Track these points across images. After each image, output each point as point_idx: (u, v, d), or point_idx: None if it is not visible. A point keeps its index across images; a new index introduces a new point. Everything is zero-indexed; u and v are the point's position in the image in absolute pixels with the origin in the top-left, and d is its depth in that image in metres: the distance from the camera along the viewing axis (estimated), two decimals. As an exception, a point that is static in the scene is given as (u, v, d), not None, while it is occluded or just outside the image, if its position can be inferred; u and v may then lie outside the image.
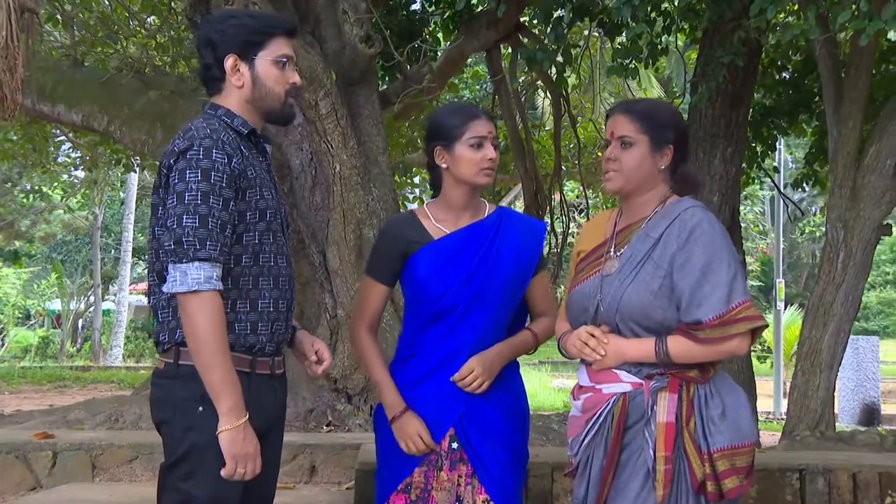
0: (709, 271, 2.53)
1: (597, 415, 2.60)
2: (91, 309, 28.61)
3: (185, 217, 2.36)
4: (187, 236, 2.35)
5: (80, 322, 31.60)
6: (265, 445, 2.58)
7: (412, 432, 2.79)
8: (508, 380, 2.93)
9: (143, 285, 35.02)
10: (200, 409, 2.40)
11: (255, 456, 2.41)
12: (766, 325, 2.71)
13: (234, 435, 2.37)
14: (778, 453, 4.85)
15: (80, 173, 17.11)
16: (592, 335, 2.62)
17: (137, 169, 13.13)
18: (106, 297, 30.53)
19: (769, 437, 9.22)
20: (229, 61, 2.57)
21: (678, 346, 2.53)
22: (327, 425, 5.60)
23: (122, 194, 27.04)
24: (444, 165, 2.92)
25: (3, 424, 6.66)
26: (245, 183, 2.47)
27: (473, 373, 2.81)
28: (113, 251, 32.12)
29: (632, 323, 2.58)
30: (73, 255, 32.54)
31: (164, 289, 2.40)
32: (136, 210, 26.07)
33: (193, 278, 2.34)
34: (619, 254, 2.68)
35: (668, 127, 2.70)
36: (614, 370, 2.61)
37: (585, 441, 2.62)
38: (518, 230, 2.93)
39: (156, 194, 2.53)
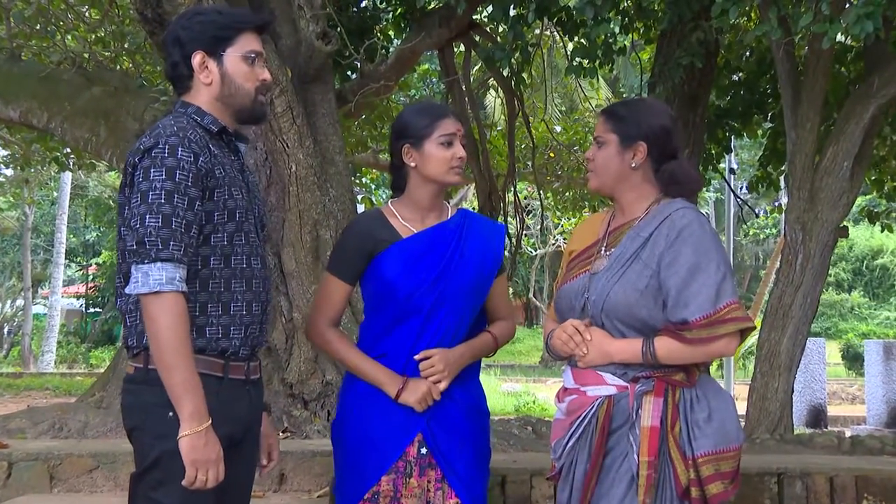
0: (697, 271, 2.55)
1: (581, 417, 2.61)
2: (20, 313, 27.99)
3: (148, 216, 2.33)
4: (150, 236, 2.32)
5: (7, 327, 30.93)
6: (239, 453, 2.54)
7: (426, 391, 2.81)
8: (470, 382, 2.96)
9: (75, 288, 34.42)
10: (171, 414, 2.35)
11: (216, 462, 2.36)
12: (755, 327, 2.75)
13: (194, 440, 2.32)
14: (756, 457, 4.92)
15: (10, 172, 16.74)
16: (577, 329, 2.63)
17: (73, 167, 12.84)
18: (36, 300, 29.89)
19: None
20: (196, 58, 2.55)
21: (665, 347, 2.55)
22: (283, 431, 5.53)
23: (54, 193, 26.50)
24: (412, 164, 2.92)
25: (-62, 435, 6.45)
26: (213, 182, 2.44)
27: (434, 367, 2.81)
28: (42, 252, 31.47)
29: (617, 321, 2.60)
30: (1, 256, 31.81)
31: (127, 290, 2.38)
32: (68, 210, 25.57)
33: (155, 279, 2.31)
34: (608, 252, 2.72)
35: (638, 124, 2.74)
36: (599, 372, 2.62)
37: (569, 444, 2.63)
38: (481, 233, 2.97)
39: (122, 194, 2.49)
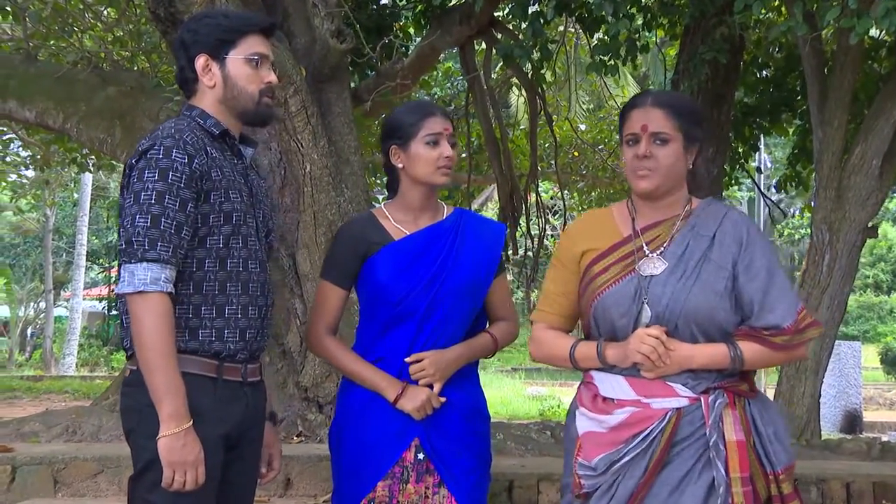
0: (773, 275, 2.53)
1: (647, 432, 2.46)
2: (42, 315, 28.27)
3: (138, 217, 2.38)
4: (138, 236, 2.36)
5: (30, 329, 31.23)
6: (238, 456, 2.56)
7: (425, 399, 2.79)
8: (469, 385, 2.94)
9: (97, 290, 34.73)
10: None
11: (195, 464, 2.37)
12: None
13: (171, 442, 2.34)
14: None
15: (31, 173, 16.92)
16: (660, 339, 2.45)
17: (93, 169, 12.97)
18: (58, 302, 30.18)
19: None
20: (200, 61, 2.59)
21: (754, 352, 2.49)
22: (298, 435, 5.56)
23: (75, 195, 26.73)
24: (399, 165, 2.92)
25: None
26: (208, 185, 2.47)
27: (425, 371, 2.80)
28: (65, 255, 31.76)
29: (695, 326, 2.49)
30: (23, 258, 32.13)
31: (115, 290, 2.42)
32: (90, 212, 25.79)
33: (140, 279, 2.35)
34: (659, 252, 2.59)
35: (699, 125, 2.66)
36: (669, 383, 2.51)
37: (623, 460, 2.47)
38: (477, 233, 2.92)
39: (122, 195, 2.53)
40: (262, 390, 2.69)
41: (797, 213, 31.74)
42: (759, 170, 11.04)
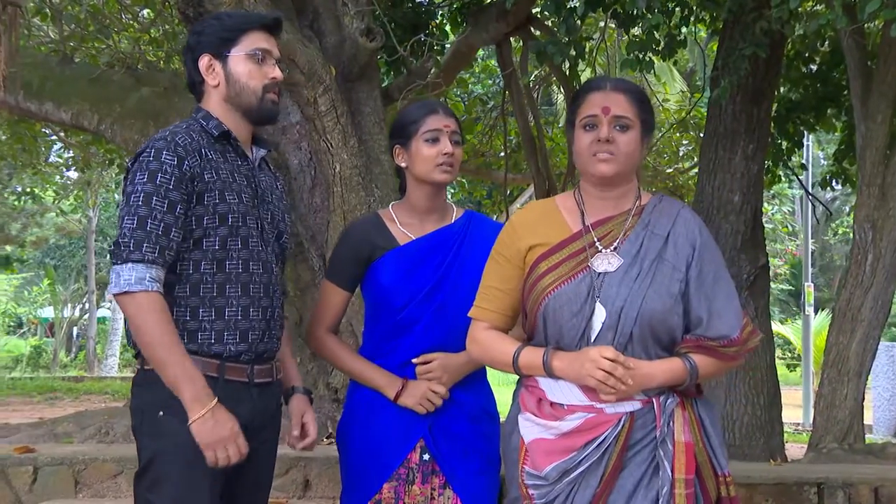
0: (720, 280, 2.51)
1: (602, 438, 2.41)
2: (85, 316, 28.69)
3: (126, 219, 2.45)
4: (124, 237, 2.43)
5: (75, 330, 31.72)
6: (249, 458, 2.60)
7: (424, 391, 2.80)
8: (476, 385, 2.93)
9: (140, 291, 35.05)
10: (161, 413, 2.44)
11: (232, 438, 2.43)
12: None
13: (201, 425, 2.41)
14: (795, 466, 4.84)
15: (73, 174, 17.18)
16: (616, 362, 2.35)
17: (132, 169, 13.12)
18: (101, 303, 30.63)
19: (797, 449, 9.17)
20: (203, 61, 2.64)
21: (706, 365, 2.46)
22: (327, 437, 5.61)
23: (116, 196, 27.10)
24: (403, 164, 2.94)
25: (-12, 437, 6.68)
26: (201, 186, 2.51)
27: (433, 373, 2.81)
28: (108, 256, 32.20)
29: (649, 330, 2.44)
30: (67, 259, 32.65)
31: (107, 291, 2.48)
32: (132, 212, 26.06)
33: (125, 279, 2.41)
34: (613, 248, 2.52)
35: (652, 114, 2.63)
36: None
37: (578, 469, 2.41)
38: (486, 237, 2.86)
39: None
40: (273, 392, 2.71)
41: (851, 211, 31.20)
42: (803, 167, 10.89)
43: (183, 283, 2.51)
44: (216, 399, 2.43)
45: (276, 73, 2.67)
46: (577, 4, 6.24)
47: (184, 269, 2.52)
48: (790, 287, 33.70)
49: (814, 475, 4.40)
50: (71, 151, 13.24)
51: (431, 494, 2.81)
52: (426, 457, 2.83)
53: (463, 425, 2.86)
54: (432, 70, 7.43)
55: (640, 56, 6.38)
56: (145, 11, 9.68)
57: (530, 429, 2.50)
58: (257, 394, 2.62)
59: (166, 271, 2.49)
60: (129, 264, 2.41)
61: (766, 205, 19.15)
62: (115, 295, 2.43)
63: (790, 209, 30.68)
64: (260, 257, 2.62)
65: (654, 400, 2.44)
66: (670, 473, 2.39)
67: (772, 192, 17.42)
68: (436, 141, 2.87)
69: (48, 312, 31.31)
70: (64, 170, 15.81)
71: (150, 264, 2.42)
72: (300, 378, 2.89)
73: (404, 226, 2.92)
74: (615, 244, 2.53)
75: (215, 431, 2.41)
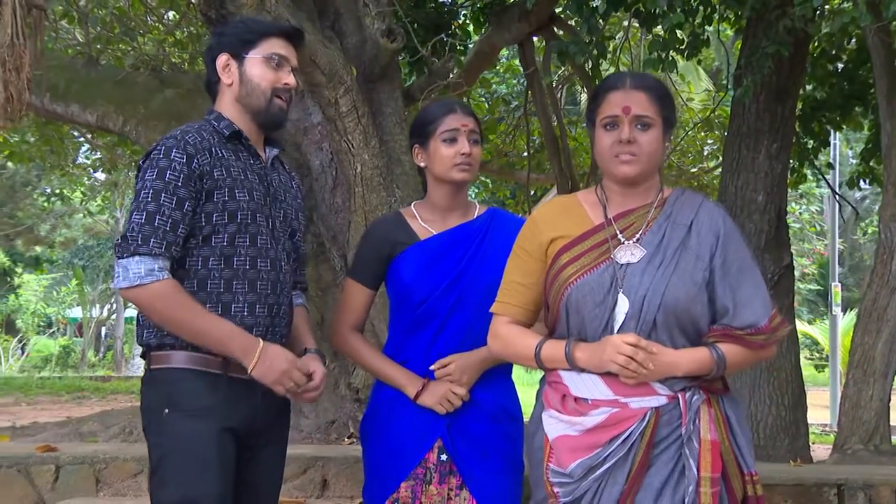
0: (747, 270, 2.49)
1: (627, 434, 2.38)
2: (113, 317, 28.94)
3: (135, 214, 2.48)
4: (132, 232, 2.46)
5: (104, 330, 31.99)
6: (254, 458, 2.63)
7: (445, 391, 2.81)
8: (497, 385, 2.92)
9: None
10: (166, 411, 2.48)
11: (289, 370, 2.54)
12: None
13: (258, 370, 2.50)
14: (815, 467, 4.81)
15: (101, 176, 17.33)
16: (637, 346, 2.33)
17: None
18: (129, 304, 30.89)
19: (825, 450, 9.10)
20: (221, 59, 2.69)
21: (734, 354, 2.44)
22: (349, 437, 5.63)
23: (143, 197, 27.29)
24: (422, 164, 2.96)
25: (15, 437, 6.76)
26: (210, 184, 2.55)
27: (452, 374, 2.81)
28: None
29: (673, 319, 2.41)
30: (95, 260, 32.92)
31: (112, 285, 2.51)
32: (159, 213, 26.25)
33: (135, 272, 2.45)
34: (636, 240, 2.51)
35: (674, 110, 2.61)
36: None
37: (604, 466, 2.39)
38: (508, 232, 2.84)
39: None
40: None
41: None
42: (830, 165, 10.81)
43: (191, 278, 2.54)
44: (260, 341, 2.51)
45: (290, 79, 2.71)
46: (599, 4, 6.23)
47: (192, 264, 2.55)
48: (819, 287, 33.43)
49: (833, 476, 4.37)
50: (98, 153, 13.37)
51: (448, 495, 2.80)
52: (444, 457, 2.82)
53: (482, 425, 2.85)
54: (455, 70, 7.43)
55: (663, 55, 6.37)
56: (170, 13, 9.76)
57: (554, 426, 2.48)
58: (262, 392, 2.63)
59: (175, 266, 2.53)
60: (137, 257, 2.45)
61: (793, 204, 19.05)
62: (125, 289, 2.46)
63: (818, 208, 30.45)
64: (269, 255, 2.65)
65: (679, 396, 2.41)
66: (696, 472, 2.36)
67: (799, 191, 17.31)
68: (454, 141, 2.88)
69: (76, 312, 31.58)
70: (91, 171, 15.96)
71: (157, 257, 2.46)
72: (314, 342, 2.88)
73: (426, 222, 2.94)
74: (638, 235, 2.52)
75: (273, 369, 2.51)
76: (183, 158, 2.50)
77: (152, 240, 2.45)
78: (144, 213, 2.46)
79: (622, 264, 2.47)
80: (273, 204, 2.71)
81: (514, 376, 3.03)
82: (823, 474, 4.44)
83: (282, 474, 2.81)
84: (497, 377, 2.92)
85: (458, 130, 2.88)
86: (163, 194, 2.47)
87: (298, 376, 2.54)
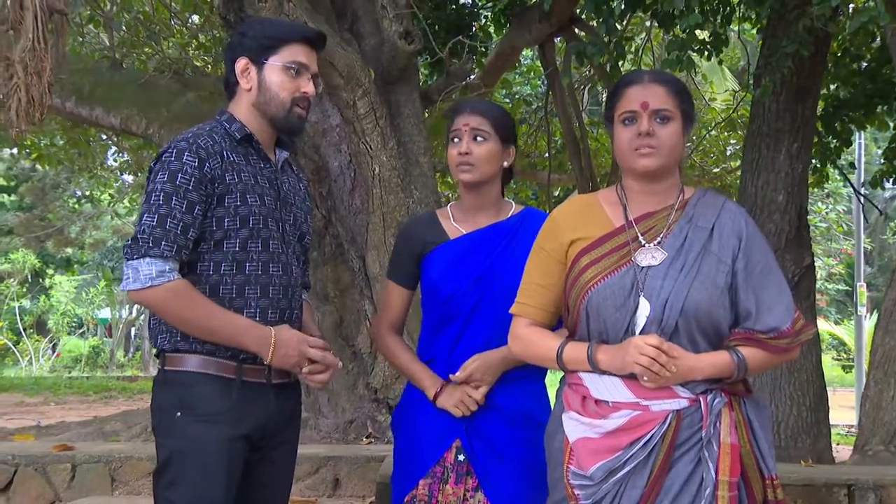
0: (770, 273, 2.47)
1: (648, 437, 2.36)
2: (141, 317, 29.12)
3: (145, 216, 2.48)
4: (143, 233, 2.46)
5: (133, 330, 32.19)
6: (265, 458, 2.64)
7: (461, 395, 2.81)
8: (517, 388, 2.88)
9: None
10: (178, 414, 2.49)
11: (300, 351, 2.56)
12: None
13: (276, 359, 2.53)
14: (826, 467, 4.77)
15: (129, 178, 17.46)
16: (660, 349, 2.31)
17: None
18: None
19: (850, 451, 9.02)
20: (240, 63, 2.67)
21: (755, 358, 2.41)
22: (367, 437, 5.65)
23: (171, 199, 27.44)
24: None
25: (39, 436, 6.84)
26: (221, 188, 2.54)
27: (474, 375, 2.80)
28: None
29: (694, 323, 2.38)
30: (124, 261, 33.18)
31: (120, 287, 2.52)
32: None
33: (145, 274, 2.45)
34: (657, 243, 2.47)
35: (692, 105, 2.57)
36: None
37: (625, 469, 2.36)
38: (537, 233, 2.81)
39: None
40: (291, 393, 2.73)
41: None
42: (853, 165, 10.70)
43: (202, 283, 2.54)
44: (272, 330, 2.53)
45: (309, 88, 2.69)
46: (617, 4, 6.21)
47: (203, 269, 2.55)
48: (846, 287, 33.13)
49: (844, 476, 4.34)
50: (125, 155, 13.48)
51: (464, 495, 2.80)
52: (461, 457, 2.82)
53: (498, 429, 2.83)
54: (475, 71, 7.43)
55: (681, 55, 6.34)
56: (194, 17, 9.82)
57: (575, 428, 2.46)
58: (275, 395, 2.64)
59: (187, 272, 2.53)
60: (148, 259, 2.44)
61: (819, 204, 18.86)
62: (135, 290, 2.45)
63: (846, 208, 30.19)
64: (280, 259, 2.65)
65: (700, 399, 2.38)
66: (714, 475, 2.34)
67: (826, 190, 17.16)
68: (456, 141, 2.89)
69: (106, 313, 31.79)
70: (119, 173, 16.08)
71: (167, 259, 2.47)
72: (319, 332, 2.89)
73: (457, 222, 2.95)
74: (659, 238, 2.48)
75: (288, 354, 2.54)
76: (195, 162, 2.50)
77: (163, 242, 2.45)
78: (156, 216, 2.46)
79: (643, 267, 2.44)
80: (284, 208, 2.70)
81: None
82: (833, 474, 4.40)
83: (293, 474, 2.82)
84: (521, 381, 2.89)
85: (460, 130, 2.87)
86: (174, 197, 2.47)
87: (315, 354, 2.58)
